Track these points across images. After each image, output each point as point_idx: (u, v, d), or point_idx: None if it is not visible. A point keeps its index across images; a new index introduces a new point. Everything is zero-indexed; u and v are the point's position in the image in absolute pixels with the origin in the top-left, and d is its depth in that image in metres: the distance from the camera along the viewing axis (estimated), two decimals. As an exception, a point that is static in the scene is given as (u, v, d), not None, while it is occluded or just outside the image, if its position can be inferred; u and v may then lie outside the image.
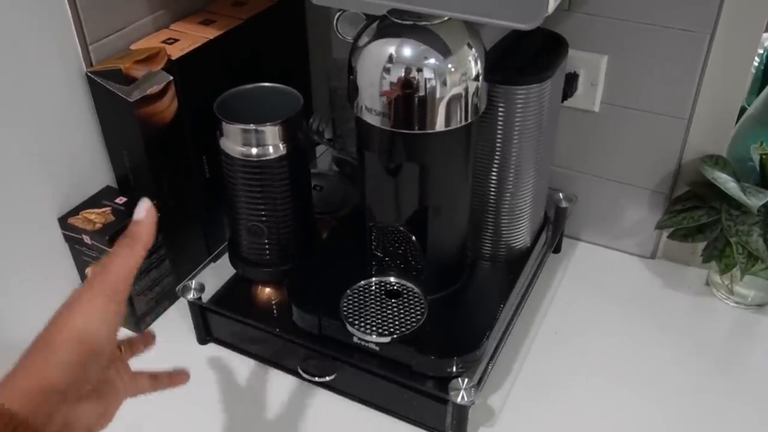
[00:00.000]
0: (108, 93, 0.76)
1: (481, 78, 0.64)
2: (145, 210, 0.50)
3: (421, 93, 0.62)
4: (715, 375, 0.79)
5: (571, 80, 0.83)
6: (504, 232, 0.79)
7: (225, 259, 0.87)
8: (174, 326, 0.86)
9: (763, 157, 0.80)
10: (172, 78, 0.78)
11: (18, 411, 0.42)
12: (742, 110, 0.88)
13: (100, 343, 0.47)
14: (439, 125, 0.63)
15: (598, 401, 0.76)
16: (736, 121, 0.85)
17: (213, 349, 0.83)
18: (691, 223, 0.82)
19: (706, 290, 0.90)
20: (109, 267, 0.48)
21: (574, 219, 0.95)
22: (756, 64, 1.01)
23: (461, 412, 0.69)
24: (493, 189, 0.76)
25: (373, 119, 0.64)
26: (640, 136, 0.86)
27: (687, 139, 0.85)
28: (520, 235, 0.80)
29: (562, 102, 0.81)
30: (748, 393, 0.77)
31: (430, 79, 0.61)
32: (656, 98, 0.83)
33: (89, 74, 0.76)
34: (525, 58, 0.73)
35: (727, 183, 0.79)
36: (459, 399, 0.66)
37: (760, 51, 1.01)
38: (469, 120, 0.65)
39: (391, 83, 0.62)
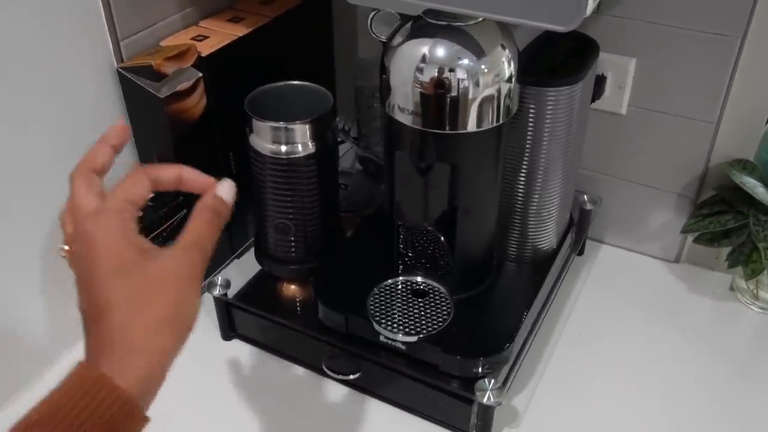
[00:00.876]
0: (138, 89, 0.76)
1: (513, 79, 0.64)
2: (229, 191, 0.51)
3: (454, 93, 0.62)
4: (738, 380, 0.79)
5: (599, 83, 0.83)
6: (531, 233, 0.79)
7: (248, 255, 0.87)
8: (198, 322, 0.86)
9: (792, 162, 0.79)
10: (201, 75, 0.79)
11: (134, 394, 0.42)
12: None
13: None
14: (471, 126, 0.63)
15: (621, 404, 0.76)
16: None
17: (237, 345, 0.83)
18: (718, 227, 0.82)
19: (731, 295, 0.90)
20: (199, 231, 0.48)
21: (599, 221, 0.95)
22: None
23: (487, 412, 0.69)
24: (521, 190, 0.76)
25: (405, 118, 0.64)
26: (667, 139, 0.86)
27: (714, 143, 0.84)
28: (547, 236, 0.80)
29: (590, 104, 0.81)
30: (773, 399, 0.77)
31: (463, 79, 0.61)
32: (684, 102, 0.83)
33: (120, 70, 0.76)
34: (556, 60, 0.73)
35: (756, 188, 0.79)
36: (485, 399, 0.66)
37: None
38: (501, 121, 0.65)
39: (424, 83, 0.62)
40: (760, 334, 0.85)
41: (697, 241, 0.86)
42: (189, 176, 0.52)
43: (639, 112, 0.86)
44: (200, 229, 0.49)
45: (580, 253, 0.94)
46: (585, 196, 0.91)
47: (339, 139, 0.96)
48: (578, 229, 0.90)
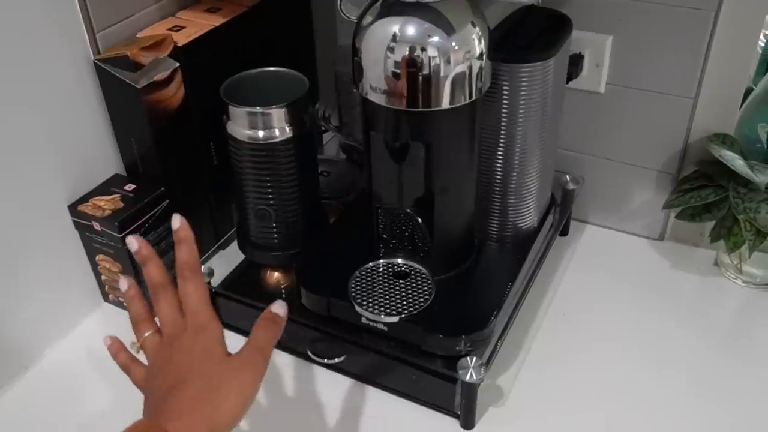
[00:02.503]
0: (115, 80, 0.76)
1: (485, 56, 0.64)
2: (281, 307, 0.61)
3: (426, 71, 0.62)
4: (724, 354, 0.79)
5: (577, 61, 0.83)
6: (511, 212, 0.79)
7: (234, 245, 0.88)
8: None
9: (771, 134, 0.80)
10: (178, 64, 0.79)
11: None
12: (750, 91, 0.88)
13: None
14: (444, 103, 0.64)
15: (607, 382, 0.76)
16: (743, 102, 0.85)
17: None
18: (699, 201, 0.82)
19: (715, 270, 0.90)
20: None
21: (582, 201, 0.95)
22: (762, 44, 1.01)
23: (470, 390, 0.69)
24: (499, 169, 0.76)
25: (378, 98, 0.64)
26: (647, 116, 0.86)
27: (693, 118, 0.84)
28: (527, 215, 0.80)
29: (568, 83, 0.81)
30: (757, 371, 0.77)
31: (434, 57, 0.61)
32: (662, 78, 0.83)
33: (96, 62, 0.77)
34: (529, 37, 0.73)
35: (734, 161, 0.79)
36: (468, 377, 0.66)
37: (766, 32, 1.01)
38: (474, 98, 0.65)
39: (396, 62, 0.62)
40: (745, 308, 0.86)
41: (680, 216, 0.87)
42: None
43: (617, 89, 0.86)
44: (261, 335, 0.59)
45: (565, 233, 0.95)
46: (567, 176, 0.91)
47: (322, 128, 0.96)
48: (561, 209, 0.90)
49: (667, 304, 0.85)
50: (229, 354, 0.57)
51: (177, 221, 0.61)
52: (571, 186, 0.91)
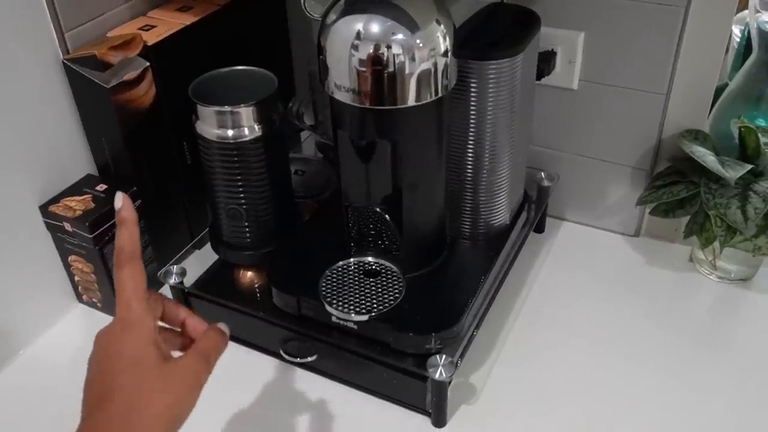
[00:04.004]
0: (84, 80, 0.76)
1: (450, 53, 0.64)
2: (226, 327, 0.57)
3: (390, 69, 0.62)
4: (699, 350, 0.79)
5: (549, 58, 0.83)
6: (482, 209, 0.79)
7: (209, 245, 0.87)
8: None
9: (742, 130, 0.79)
10: (148, 64, 0.78)
11: None
12: (724, 87, 0.88)
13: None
14: (409, 101, 0.63)
15: (581, 379, 0.76)
16: (716, 99, 0.85)
17: (196, 334, 0.83)
18: (671, 197, 0.82)
19: (690, 266, 0.90)
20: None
21: (557, 198, 0.95)
22: (738, 40, 1.01)
23: (440, 388, 0.69)
24: (469, 166, 0.76)
25: (343, 96, 0.64)
26: (620, 112, 0.86)
27: (666, 114, 0.84)
28: (499, 212, 0.80)
29: (539, 80, 0.81)
30: (732, 367, 0.77)
31: (398, 54, 0.61)
32: (634, 74, 0.83)
33: (65, 61, 0.76)
34: (496, 33, 0.73)
35: (705, 156, 0.79)
36: (437, 375, 0.66)
37: (741, 27, 1.01)
38: (440, 95, 0.65)
39: (360, 60, 0.62)
40: (719, 303, 0.86)
41: (654, 212, 0.87)
42: (191, 322, 0.57)
43: (590, 86, 0.86)
44: (207, 344, 0.54)
45: (540, 230, 0.95)
46: (542, 173, 0.91)
47: (298, 126, 0.96)
48: (536, 206, 0.90)
49: (642, 300, 0.85)
50: (166, 358, 0.51)
51: (119, 200, 0.54)
52: (546, 183, 0.91)
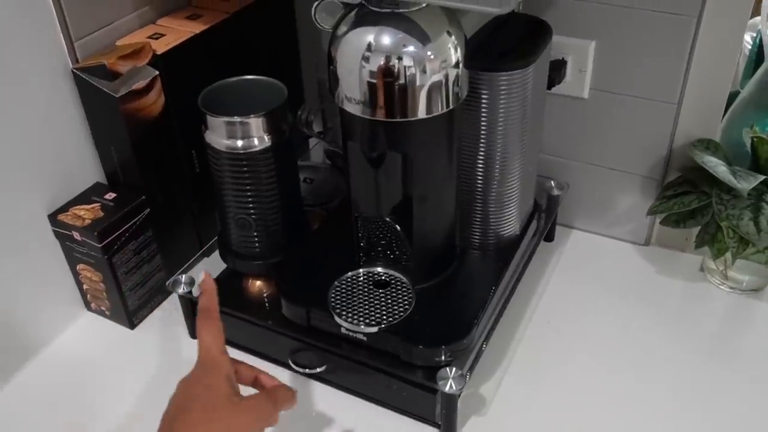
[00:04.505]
0: (93, 89, 0.76)
1: (461, 65, 0.63)
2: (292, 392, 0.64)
3: (401, 81, 0.61)
4: (710, 360, 0.79)
5: (559, 67, 0.82)
6: (492, 220, 0.78)
7: (218, 253, 0.87)
8: (167, 321, 0.86)
9: (755, 140, 0.79)
10: (157, 73, 0.78)
11: None
12: (736, 94, 0.87)
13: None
14: (420, 113, 0.63)
15: (592, 389, 0.76)
16: (728, 106, 0.84)
17: (205, 343, 0.83)
18: (682, 208, 0.82)
19: (701, 276, 0.89)
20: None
21: (567, 207, 0.95)
22: (749, 47, 1.00)
23: (450, 401, 0.68)
24: (480, 177, 0.76)
25: (354, 108, 0.64)
26: (631, 121, 0.86)
27: (677, 123, 0.84)
28: (509, 223, 0.80)
29: (550, 89, 0.80)
30: (743, 378, 0.76)
31: (409, 66, 0.61)
32: (645, 83, 0.83)
33: (75, 71, 0.76)
34: (508, 44, 0.72)
35: (717, 167, 0.78)
36: (447, 388, 0.66)
37: (753, 34, 1.00)
38: (451, 107, 0.64)
39: (371, 72, 0.61)
40: (730, 313, 0.85)
41: (664, 222, 0.86)
42: (264, 378, 0.66)
43: (601, 95, 0.86)
44: (278, 391, 0.63)
45: (550, 239, 0.94)
46: (552, 182, 0.91)
47: (306, 134, 0.96)
48: (546, 215, 0.90)
49: (653, 310, 0.85)
50: (237, 393, 0.60)
51: (202, 275, 0.69)
52: (556, 192, 0.90)
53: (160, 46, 0.80)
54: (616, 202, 0.92)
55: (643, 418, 0.73)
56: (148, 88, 0.78)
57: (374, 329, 0.70)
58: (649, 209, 0.86)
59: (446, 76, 0.63)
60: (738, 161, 0.82)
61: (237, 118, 0.72)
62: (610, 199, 0.93)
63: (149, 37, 0.81)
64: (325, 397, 0.76)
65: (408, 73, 0.61)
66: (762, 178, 0.77)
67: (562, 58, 0.83)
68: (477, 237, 0.80)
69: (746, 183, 0.75)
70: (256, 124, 0.73)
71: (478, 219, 0.79)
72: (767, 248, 0.78)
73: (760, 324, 0.83)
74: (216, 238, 0.88)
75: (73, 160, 0.81)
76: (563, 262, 0.92)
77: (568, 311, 0.85)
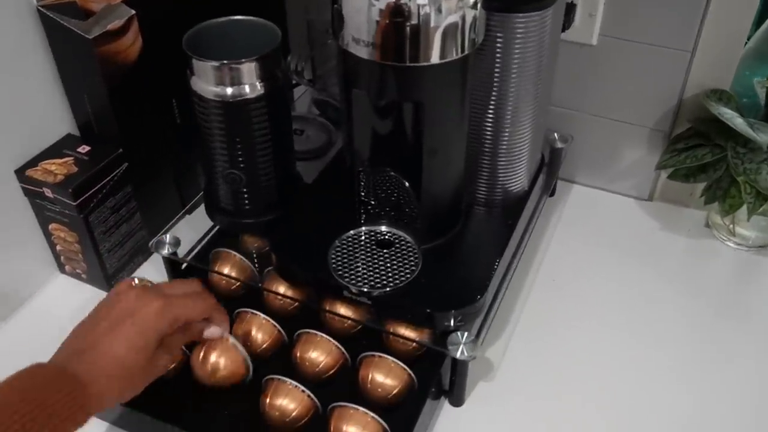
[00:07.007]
0: (63, 29, 0.68)
1: (479, 5, 0.58)
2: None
3: (414, 21, 0.55)
4: (716, 317, 0.77)
5: (568, 11, 0.77)
6: (501, 174, 0.74)
7: (201, 210, 0.81)
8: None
9: (770, 90, 0.75)
10: (134, 12, 0.71)
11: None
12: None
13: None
14: (434, 58, 0.57)
15: (598, 348, 0.73)
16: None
17: (191, 307, 0.77)
18: (694, 162, 0.78)
19: (706, 232, 0.87)
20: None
21: (570, 160, 0.90)
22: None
23: (461, 368, 0.65)
24: (489, 128, 0.71)
25: (361, 51, 0.58)
26: (640, 70, 0.81)
27: (689, 72, 0.80)
28: (518, 177, 0.75)
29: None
30: (749, 335, 0.75)
31: (423, 5, 0.55)
32: (658, 29, 0.78)
33: (40, 8, 0.68)
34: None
35: (734, 119, 0.74)
36: (459, 354, 0.62)
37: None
38: (467, 52, 0.59)
39: (381, 10, 0.55)
40: (737, 270, 0.83)
41: (672, 177, 0.83)
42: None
43: (610, 41, 0.81)
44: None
45: (552, 194, 0.90)
46: (555, 134, 0.87)
47: (294, 82, 0.89)
48: (549, 170, 0.86)
49: (657, 267, 0.82)
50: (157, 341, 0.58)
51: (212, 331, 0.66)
52: (559, 144, 0.86)
53: (137, -17, 0.72)
54: (621, 155, 0.89)
55: (649, 375, 0.71)
56: (124, 29, 0.71)
57: (380, 292, 0.65)
58: (658, 163, 0.83)
59: (463, 17, 0.57)
60: (743, 112, 0.78)
61: (227, 63, 0.65)
62: (614, 153, 0.89)
63: (124, -28, 0.73)
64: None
65: (422, 13, 0.55)
66: (781, 130, 0.73)
67: (572, 1, 0.78)
68: (483, 193, 0.75)
69: (766, 136, 0.72)
70: (248, 69, 0.66)
71: (485, 173, 0.74)
72: (783, 204, 0.75)
73: (767, 280, 0.81)
74: (199, 195, 0.82)
75: (41, 110, 0.73)
76: (565, 219, 0.89)
77: (573, 270, 0.82)
